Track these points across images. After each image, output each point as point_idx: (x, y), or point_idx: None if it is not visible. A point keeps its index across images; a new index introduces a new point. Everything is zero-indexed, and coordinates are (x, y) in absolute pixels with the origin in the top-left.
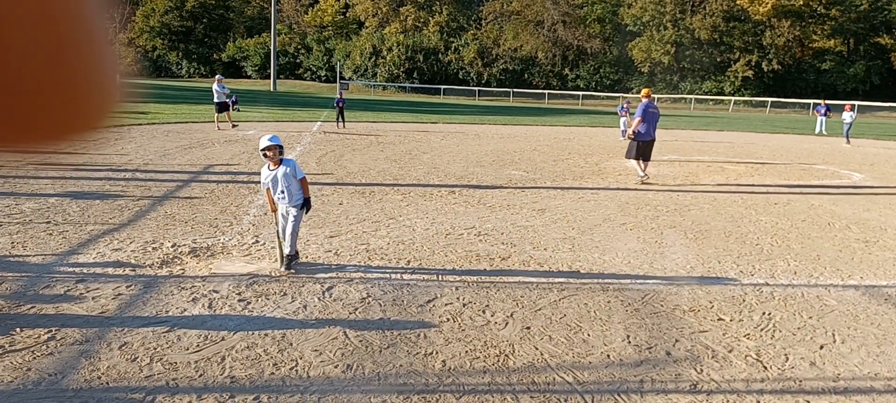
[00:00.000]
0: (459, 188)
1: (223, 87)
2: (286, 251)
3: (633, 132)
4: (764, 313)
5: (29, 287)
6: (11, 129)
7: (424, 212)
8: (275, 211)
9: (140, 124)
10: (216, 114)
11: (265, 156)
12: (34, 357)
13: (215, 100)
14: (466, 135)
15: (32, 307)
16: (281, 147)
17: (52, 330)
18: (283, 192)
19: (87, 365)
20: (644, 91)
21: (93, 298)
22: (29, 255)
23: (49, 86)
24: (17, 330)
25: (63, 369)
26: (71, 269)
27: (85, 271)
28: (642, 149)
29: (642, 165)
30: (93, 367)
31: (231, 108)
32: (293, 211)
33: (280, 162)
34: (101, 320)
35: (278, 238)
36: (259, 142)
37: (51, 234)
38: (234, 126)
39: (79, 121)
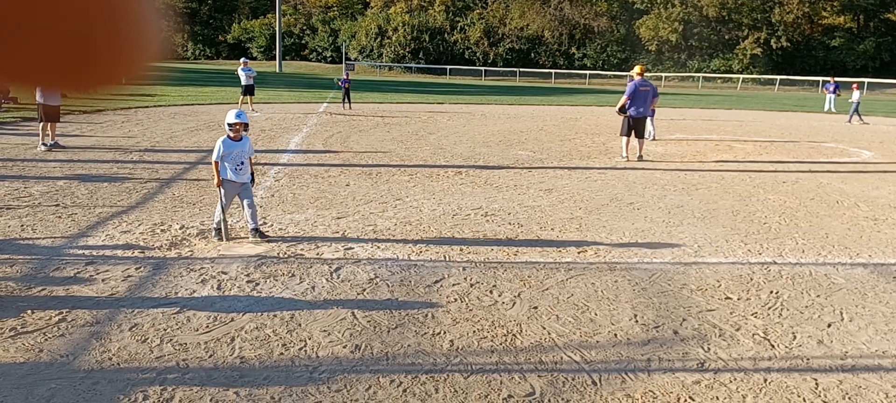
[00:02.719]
0: (466, 168)
1: (249, 70)
2: (253, 225)
3: (621, 108)
4: (771, 291)
5: (39, 269)
6: (47, 71)
7: (431, 193)
8: (220, 185)
9: (146, 106)
10: (241, 97)
11: (232, 128)
12: (46, 339)
13: (242, 82)
14: (473, 115)
15: (43, 289)
16: (246, 124)
17: (62, 312)
18: (242, 164)
19: (98, 347)
20: (636, 68)
21: (103, 280)
22: (39, 238)
23: (94, 29)
24: (29, 312)
25: (74, 350)
26: (81, 252)
27: (94, 253)
28: (633, 125)
29: (629, 143)
30: (103, 348)
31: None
32: (248, 185)
33: (241, 137)
34: (111, 301)
35: (223, 212)
36: (226, 117)
37: (60, 217)
38: (253, 110)
39: (122, 65)
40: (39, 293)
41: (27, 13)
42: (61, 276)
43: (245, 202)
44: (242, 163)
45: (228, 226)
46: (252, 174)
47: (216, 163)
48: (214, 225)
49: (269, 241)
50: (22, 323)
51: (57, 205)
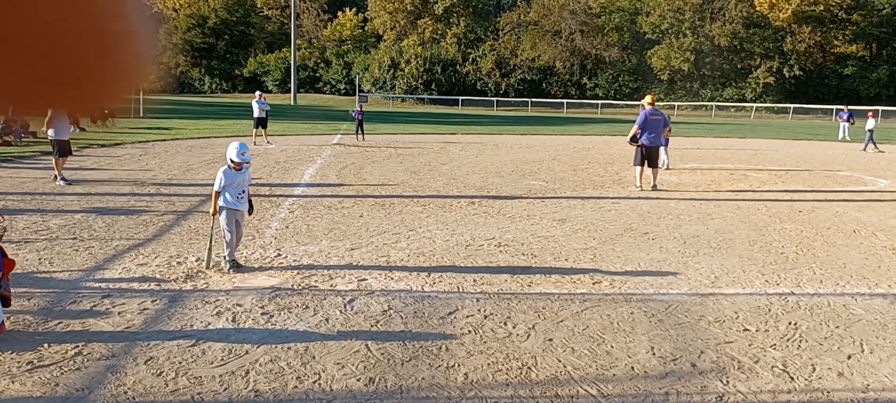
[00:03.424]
0: (479, 199)
1: (263, 103)
2: (231, 255)
3: (632, 138)
4: (790, 323)
5: (56, 302)
6: (38, 94)
7: (444, 224)
8: (216, 214)
9: (163, 140)
10: (254, 130)
11: (233, 162)
12: (62, 373)
13: (255, 115)
14: (485, 145)
15: (60, 322)
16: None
17: (79, 346)
18: (243, 192)
19: (114, 380)
20: (647, 98)
21: (119, 313)
22: (56, 271)
23: (78, 52)
24: (45, 345)
25: (90, 384)
26: (97, 285)
27: (111, 286)
28: (646, 155)
29: (643, 173)
30: (119, 382)
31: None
32: (246, 215)
33: (241, 167)
34: (127, 335)
35: (212, 240)
36: (233, 149)
37: (77, 250)
38: (268, 142)
39: (107, 89)
40: (56, 326)
41: (11, 34)
42: (78, 309)
43: (238, 231)
44: (243, 192)
45: (212, 253)
46: (250, 203)
47: (216, 193)
48: (226, 255)
49: (242, 272)
50: (38, 357)
51: (74, 238)
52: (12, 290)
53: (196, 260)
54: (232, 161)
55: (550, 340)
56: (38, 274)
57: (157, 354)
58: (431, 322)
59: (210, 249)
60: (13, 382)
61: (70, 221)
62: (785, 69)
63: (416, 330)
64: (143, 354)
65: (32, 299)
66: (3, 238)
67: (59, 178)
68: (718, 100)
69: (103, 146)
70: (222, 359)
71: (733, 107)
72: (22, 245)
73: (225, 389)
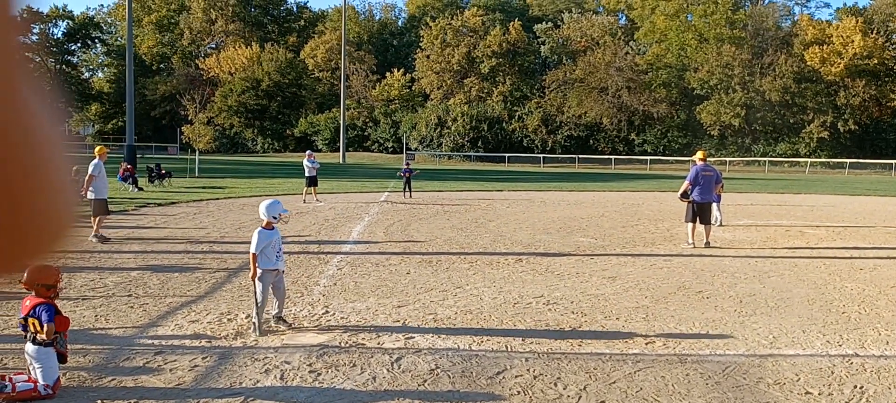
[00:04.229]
0: (527, 256)
1: (314, 162)
2: (279, 312)
3: (683, 195)
4: (855, 386)
5: (110, 359)
6: None
7: (492, 281)
8: (255, 277)
9: (217, 198)
10: (305, 188)
11: (274, 219)
12: None
13: (306, 174)
14: (532, 202)
15: (113, 379)
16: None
17: (131, 402)
18: (280, 250)
19: None
20: (699, 154)
21: (170, 370)
22: (111, 328)
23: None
24: (100, 401)
25: None
26: (150, 341)
27: (163, 343)
28: (698, 211)
29: (695, 230)
30: None
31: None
32: (283, 273)
33: (273, 227)
34: (177, 392)
35: (258, 306)
36: (262, 209)
37: (132, 307)
38: (318, 200)
39: (23, 251)
40: (110, 383)
41: None
42: (131, 366)
43: (279, 289)
44: (280, 250)
45: (261, 320)
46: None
47: (255, 255)
48: (255, 320)
49: (291, 328)
50: None
51: (129, 295)
52: (69, 347)
53: (246, 317)
54: (272, 217)
55: (603, 402)
56: (94, 331)
57: None
58: (479, 381)
59: (259, 316)
60: None
61: (126, 278)
62: (839, 123)
63: (464, 389)
64: None
65: (87, 355)
66: (61, 295)
67: (91, 236)
68: (771, 156)
69: (159, 204)
70: None
71: (787, 162)
72: (79, 302)
73: None
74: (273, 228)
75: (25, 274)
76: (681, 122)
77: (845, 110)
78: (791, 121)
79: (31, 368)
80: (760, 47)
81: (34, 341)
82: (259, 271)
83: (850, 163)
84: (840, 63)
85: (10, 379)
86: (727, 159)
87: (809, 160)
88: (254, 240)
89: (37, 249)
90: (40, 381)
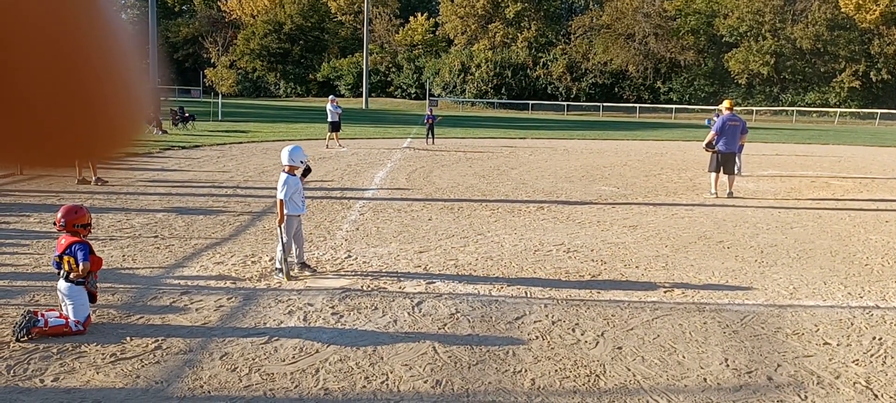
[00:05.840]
0: (548, 204)
1: (337, 108)
2: (301, 257)
3: (708, 145)
4: (874, 337)
5: (138, 298)
6: (19, 149)
7: (513, 228)
8: (281, 222)
9: (240, 142)
10: (328, 133)
11: (295, 166)
12: (142, 366)
13: (329, 119)
14: (555, 150)
15: (141, 317)
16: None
17: (158, 340)
18: (303, 198)
19: (191, 374)
20: (726, 103)
21: (196, 310)
22: (138, 268)
23: (65, 105)
24: (128, 338)
25: (168, 377)
26: (176, 281)
27: (189, 283)
28: (722, 161)
29: (718, 179)
30: (195, 376)
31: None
32: (303, 219)
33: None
34: (203, 330)
35: (284, 252)
36: (286, 155)
37: (158, 248)
38: (341, 145)
39: (96, 145)
40: (138, 321)
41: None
42: (158, 305)
43: (299, 234)
44: (304, 198)
45: (289, 265)
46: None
47: (282, 201)
48: (278, 266)
49: (315, 274)
50: (122, 349)
51: (156, 237)
52: (98, 286)
53: (269, 260)
54: (290, 165)
55: (620, 348)
56: (122, 271)
57: (231, 350)
58: (499, 326)
59: (286, 261)
60: (97, 373)
61: (152, 220)
62: (872, 73)
63: (484, 333)
64: (219, 350)
65: (116, 294)
66: (90, 236)
67: (94, 179)
68: (799, 105)
69: (183, 147)
70: (293, 357)
71: (815, 112)
72: (107, 242)
73: (296, 386)
74: (295, 174)
75: (60, 214)
76: (708, 70)
77: (879, 59)
78: (822, 69)
79: (63, 305)
80: None
81: (67, 278)
82: (285, 216)
83: (881, 113)
84: (875, 10)
85: (43, 315)
86: (754, 108)
87: (839, 110)
88: (281, 187)
89: (108, 144)
90: (72, 318)
